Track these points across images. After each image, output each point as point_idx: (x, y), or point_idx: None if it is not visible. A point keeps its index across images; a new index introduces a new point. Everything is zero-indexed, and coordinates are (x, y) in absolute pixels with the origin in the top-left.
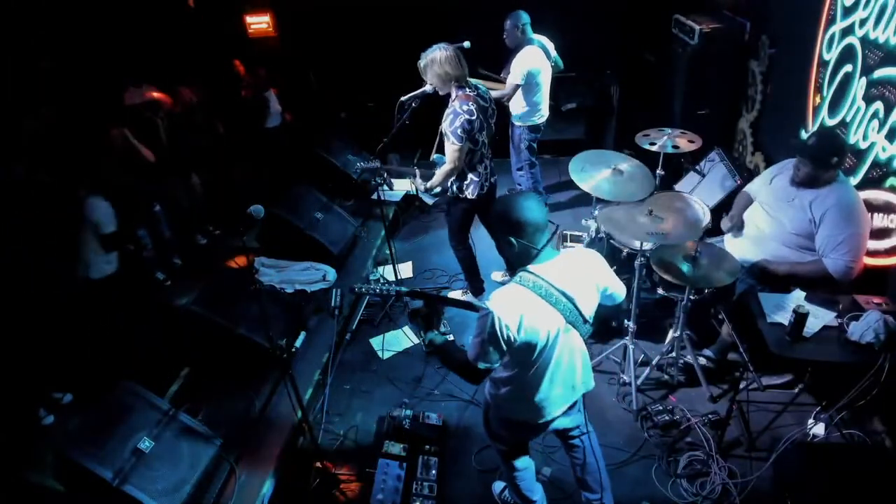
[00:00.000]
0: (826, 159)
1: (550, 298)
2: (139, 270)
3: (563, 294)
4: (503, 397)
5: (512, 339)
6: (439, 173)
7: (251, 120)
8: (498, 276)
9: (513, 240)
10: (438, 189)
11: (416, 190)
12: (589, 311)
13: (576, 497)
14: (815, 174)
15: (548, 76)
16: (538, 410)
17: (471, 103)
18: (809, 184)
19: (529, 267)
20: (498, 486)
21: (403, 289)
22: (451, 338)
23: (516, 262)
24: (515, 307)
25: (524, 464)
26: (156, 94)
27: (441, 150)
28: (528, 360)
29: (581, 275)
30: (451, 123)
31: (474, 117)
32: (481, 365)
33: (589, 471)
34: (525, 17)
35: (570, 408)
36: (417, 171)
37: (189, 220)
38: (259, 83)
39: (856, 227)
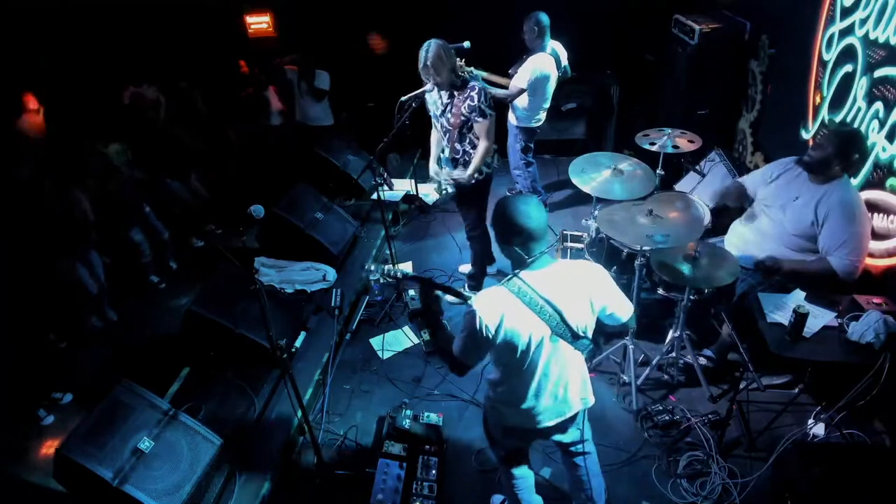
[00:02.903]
0: (849, 153)
1: (534, 307)
2: (135, 276)
3: (549, 304)
4: (496, 399)
5: (492, 337)
6: (477, 155)
7: (253, 118)
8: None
9: (507, 245)
10: (463, 180)
11: (442, 186)
12: (580, 326)
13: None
14: (829, 161)
15: (554, 85)
16: (529, 418)
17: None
18: (815, 170)
19: (520, 273)
20: (496, 499)
21: (409, 272)
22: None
23: (512, 265)
24: (497, 308)
25: (522, 472)
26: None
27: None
28: (511, 362)
29: (574, 288)
30: (477, 99)
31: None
32: (463, 359)
33: (583, 488)
34: (545, 20)
35: (567, 422)
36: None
37: (187, 221)
38: (258, 82)
39: (858, 227)
